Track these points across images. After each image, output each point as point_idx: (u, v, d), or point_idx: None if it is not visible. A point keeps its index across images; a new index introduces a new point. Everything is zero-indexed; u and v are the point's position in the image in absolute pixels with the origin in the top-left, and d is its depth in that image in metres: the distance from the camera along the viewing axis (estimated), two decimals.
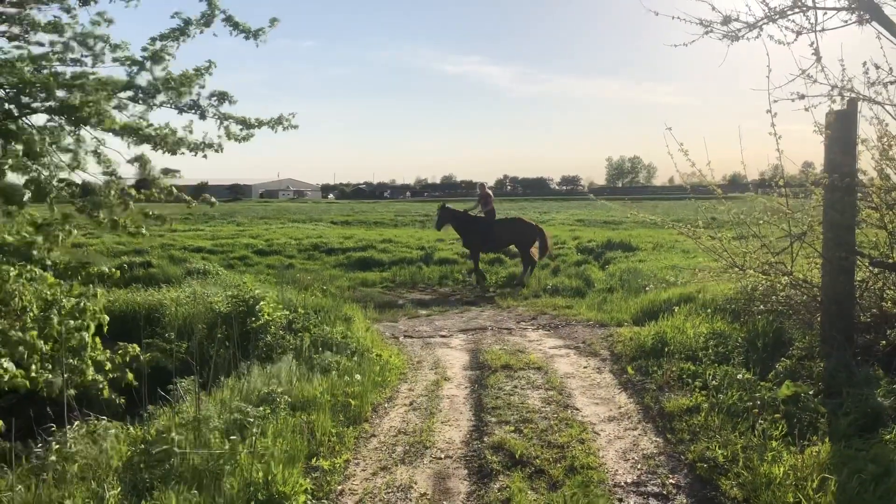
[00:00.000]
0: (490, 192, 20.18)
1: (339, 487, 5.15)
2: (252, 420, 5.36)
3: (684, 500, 4.86)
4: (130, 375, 6.63)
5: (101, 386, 6.41)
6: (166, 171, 6.37)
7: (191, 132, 6.25)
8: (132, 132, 6.01)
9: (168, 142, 6.12)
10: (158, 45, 5.97)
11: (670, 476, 5.25)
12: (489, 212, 19.14)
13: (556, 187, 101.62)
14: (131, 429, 5.51)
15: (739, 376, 6.90)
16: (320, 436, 5.87)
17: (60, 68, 5.95)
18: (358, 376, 7.30)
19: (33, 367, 5.77)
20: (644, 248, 23.52)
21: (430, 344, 10.37)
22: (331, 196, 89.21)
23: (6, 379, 5.45)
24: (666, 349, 8.42)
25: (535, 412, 6.76)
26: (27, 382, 5.59)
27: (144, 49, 5.92)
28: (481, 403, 7.12)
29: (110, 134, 5.98)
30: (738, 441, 5.49)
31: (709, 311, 10.34)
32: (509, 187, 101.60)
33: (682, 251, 22.85)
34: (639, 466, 5.46)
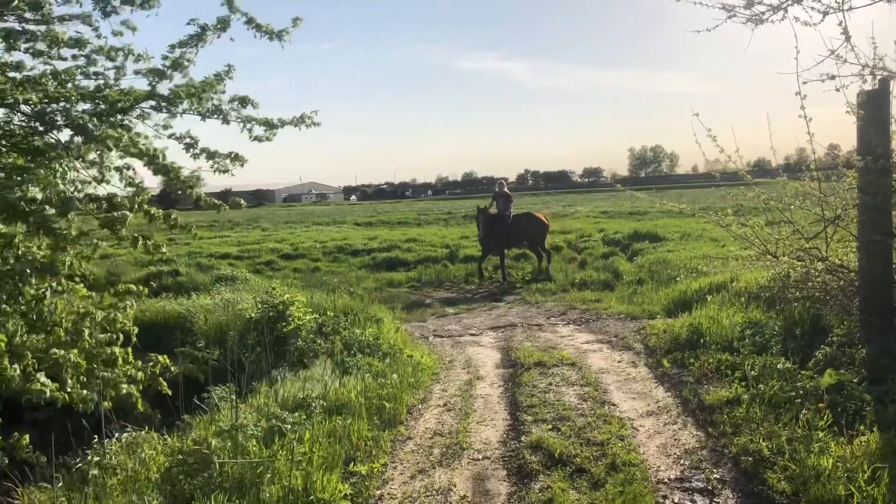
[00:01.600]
0: (508, 191, 19.92)
1: (378, 492, 5.11)
2: (289, 426, 5.33)
3: (730, 496, 4.75)
4: (164, 385, 6.64)
5: (134, 399, 6.42)
6: (191, 179, 6.33)
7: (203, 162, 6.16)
8: (149, 160, 5.98)
9: (181, 177, 6.06)
10: (178, 52, 5.95)
11: (714, 471, 5.14)
12: (502, 214, 18.79)
13: (578, 179, 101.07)
14: (168, 439, 5.50)
15: (780, 366, 6.76)
16: (356, 440, 5.84)
17: (84, 82, 5.96)
18: (395, 376, 7.25)
19: (69, 381, 5.78)
20: (671, 238, 23.27)
21: (460, 343, 10.32)
22: (353, 198, 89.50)
23: (45, 394, 5.46)
24: (701, 340, 8.28)
25: (572, 409, 6.67)
26: (65, 396, 5.60)
27: (165, 58, 5.91)
28: (516, 402, 7.04)
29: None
30: (782, 433, 5.37)
31: (742, 299, 10.19)
32: (531, 181, 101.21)
33: (710, 240, 22.61)
34: (681, 462, 5.36)
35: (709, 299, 10.78)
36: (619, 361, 8.56)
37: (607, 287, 16.04)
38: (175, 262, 19.78)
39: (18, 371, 5.52)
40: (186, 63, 5.95)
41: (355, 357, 8.00)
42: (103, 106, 5.75)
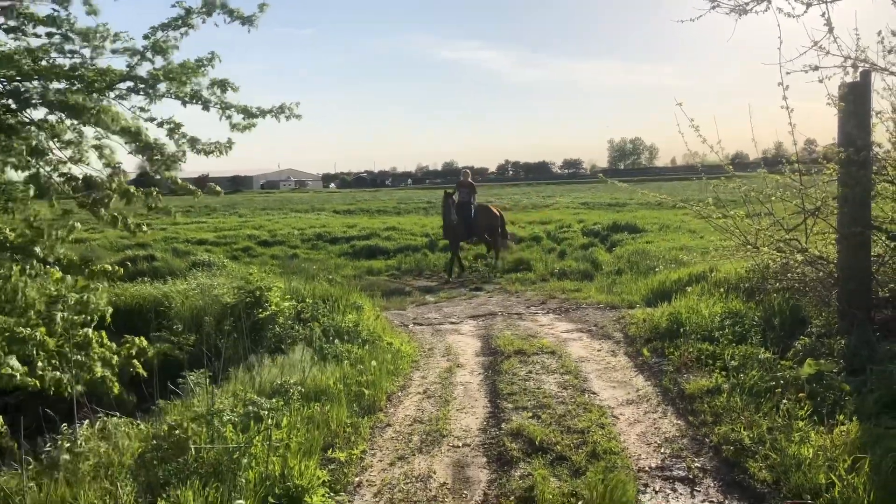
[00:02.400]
0: (472, 182, 19.05)
1: (357, 479, 5.04)
2: (266, 412, 5.23)
3: (711, 484, 4.74)
4: (139, 366, 6.51)
5: (110, 383, 6.28)
6: (175, 155, 6.19)
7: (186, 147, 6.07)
8: (132, 136, 5.86)
9: (164, 153, 5.94)
10: (160, 34, 5.81)
11: (695, 459, 5.13)
12: (464, 204, 17.97)
13: (559, 171, 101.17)
14: (142, 425, 5.39)
15: (760, 356, 6.77)
16: (335, 427, 5.76)
17: (60, 60, 5.81)
18: (374, 363, 7.18)
19: (39, 364, 5.65)
20: (650, 230, 23.35)
21: (440, 331, 10.26)
22: (332, 185, 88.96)
23: (16, 378, 5.34)
24: (681, 330, 8.28)
25: (552, 397, 6.64)
26: (36, 382, 5.48)
27: (146, 38, 5.76)
28: (496, 390, 7.00)
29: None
30: (763, 422, 5.37)
31: (721, 290, 10.20)
32: (511, 172, 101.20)
33: (688, 231, 22.76)
34: (662, 450, 5.34)
35: (689, 290, 10.81)
36: (598, 350, 8.55)
37: (587, 277, 16.05)
38: (151, 247, 19.55)
39: None
40: (168, 47, 5.81)
41: (334, 344, 7.91)
42: (79, 85, 5.63)
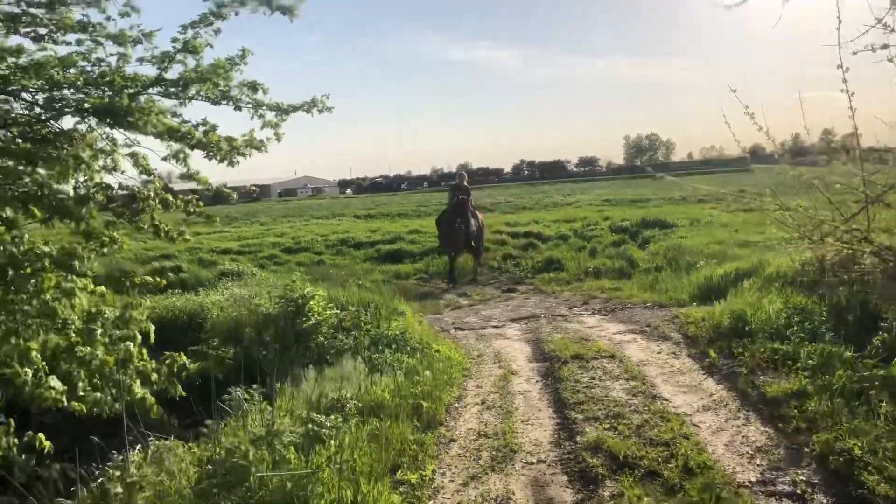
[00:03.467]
0: (468, 185, 17.76)
1: (431, 503, 4.65)
2: (327, 431, 4.86)
3: (824, 500, 4.31)
4: (178, 388, 6.17)
5: (149, 404, 5.93)
6: (233, 153, 5.84)
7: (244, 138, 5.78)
8: (180, 137, 5.55)
9: (222, 148, 5.65)
10: (190, 33, 5.47)
11: (798, 472, 4.69)
12: (456, 207, 16.39)
13: (574, 169, 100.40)
14: (196, 448, 5.03)
15: (843, 355, 6.32)
16: (399, 444, 5.37)
17: (88, 67, 5.51)
18: (428, 373, 6.79)
19: (80, 384, 5.33)
20: (681, 225, 22.82)
21: (484, 335, 9.86)
22: (348, 191, 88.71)
23: (63, 403, 5.01)
24: (746, 328, 7.83)
25: (623, 405, 6.21)
26: (82, 406, 5.17)
27: (175, 40, 5.43)
28: (560, 398, 6.59)
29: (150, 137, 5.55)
30: (869, 429, 4.92)
31: (777, 285, 9.73)
32: (527, 171, 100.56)
33: (720, 225, 22.25)
34: (757, 462, 4.91)
35: (745, 285, 10.35)
36: (658, 352, 8.12)
37: (623, 275, 15.62)
38: (176, 258, 19.31)
39: (30, 375, 5.08)
40: (200, 46, 5.48)
41: (383, 353, 7.53)
42: (109, 92, 5.33)
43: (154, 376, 5.97)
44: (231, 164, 5.75)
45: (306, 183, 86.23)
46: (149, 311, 6.75)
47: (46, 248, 5.41)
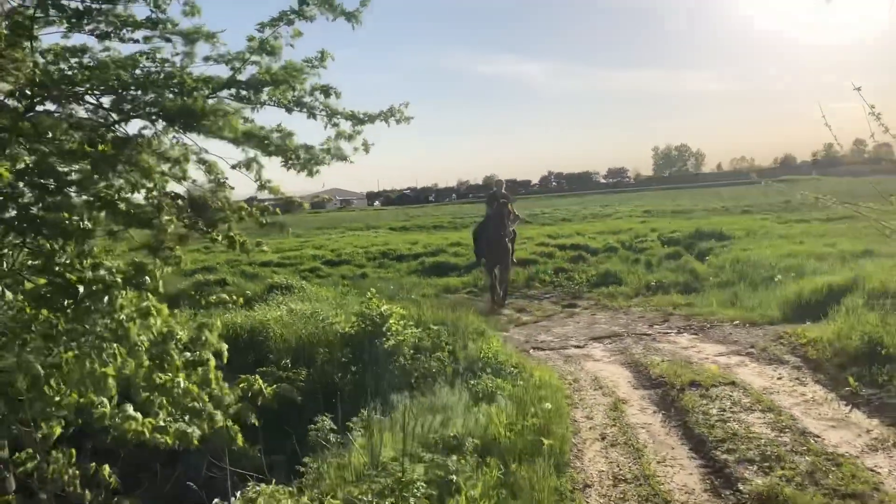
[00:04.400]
0: (508, 194, 15.43)
1: None
2: (456, 478, 4.10)
3: None
4: (253, 415, 5.47)
5: (234, 433, 5.22)
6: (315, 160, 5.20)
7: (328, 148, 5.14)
8: (258, 143, 4.89)
9: (300, 156, 4.98)
10: (268, 32, 4.81)
11: None
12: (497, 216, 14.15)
13: (603, 180, 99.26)
14: (305, 497, 4.29)
15: None
16: (531, 491, 4.59)
17: (153, 68, 4.88)
18: (548, 405, 6.00)
19: (161, 413, 4.66)
20: (737, 237, 21.87)
21: (570, 357, 9.05)
22: (377, 203, 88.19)
23: (144, 434, 4.35)
24: (882, 352, 6.97)
25: (774, 444, 5.38)
26: (167, 438, 4.49)
27: (251, 38, 4.79)
28: (694, 434, 5.78)
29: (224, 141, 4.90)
30: None
31: (887, 301, 8.84)
32: (554, 183, 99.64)
33: (778, 237, 21.25)
34: None
35: (848, 302, 9.48)
36: (778, 378, 7.27)
37: (689, 290, 14.76)
38: (217, 271, 18.73)
39: (108, 404, 4.42)
40: (278, 47, 4.83)
41: (479, 379, 6.76)
42: (180, 94, 4.68)
43: (228, 399, 5.26)
44: (310, 173, 5.10)
45: (335, 195, 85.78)
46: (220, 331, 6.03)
47: (113, 263, 4.79)
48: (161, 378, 4.69)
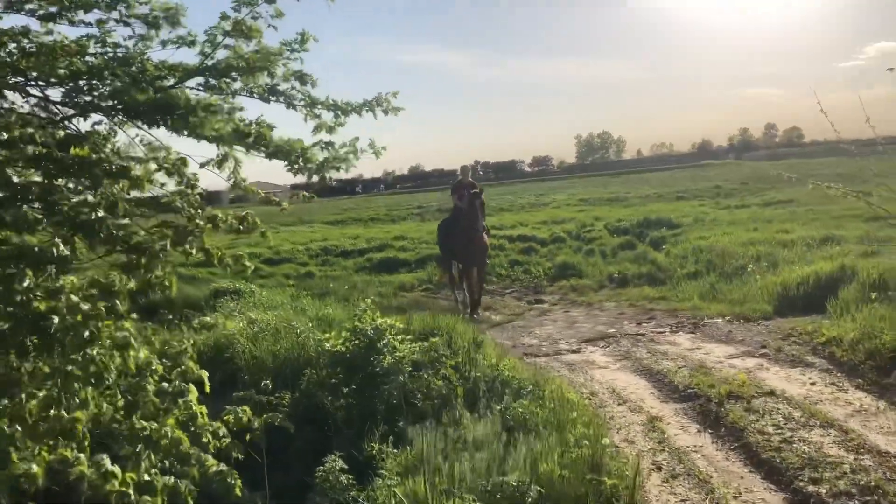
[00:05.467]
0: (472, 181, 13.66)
1: None
2: None
3: None
4: (237, 449, 4.56)
5: (232, 480, 4.29)
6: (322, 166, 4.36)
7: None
8: (253, 143, 4.09)
9: (310, 159, 4.21)
10: (245, 11, 4.01)
11: None
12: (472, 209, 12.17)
13: (528, 169, 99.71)
14: None
15: None
16: None
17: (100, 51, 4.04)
18: (583, 429, 5.21)
19: (143, 465, 3.75)
20: (685, 224, 21.69)
21: (572, 365, 8.32)
22: (302, 195, 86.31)
23: (130, 494, 3.46)
24: None
25: (862, 470, 4.76)
26: (157, 501, 3.60)
27: (224, 18, 3.95)
28: (761, 459, 5.12)
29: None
30: None
31: (890, 293, 8.47)
32: (481, 172, 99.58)
33: (728, 223, 21.15)
34: None
35: (846, 295, 9.09)
36: (812, 384, 6.72)
37: (655, 281, 14.38)
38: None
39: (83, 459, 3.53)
40: (255, 29, 4.03)
41: (503, 401, 5.95)
42: (141, 83, 3.84)
43: (209, 439, 4.31)
44: (324, 178, 4.31)
45: (258, 188, 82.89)
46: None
47: (77, 282, 3.85)
48: (145, 426, 3.79)
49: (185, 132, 3.89)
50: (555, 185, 62.59)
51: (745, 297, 10.99)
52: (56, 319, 3.22)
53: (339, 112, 4.30)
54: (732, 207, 27.51)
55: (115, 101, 3.78)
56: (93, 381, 3.52)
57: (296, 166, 4.15)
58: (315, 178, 4.21)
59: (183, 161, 3.96)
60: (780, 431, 5.52)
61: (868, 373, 6.70)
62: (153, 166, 3.88)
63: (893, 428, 5.52)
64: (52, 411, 3.43)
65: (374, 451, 5.60)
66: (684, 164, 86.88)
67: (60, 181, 3.63)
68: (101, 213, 3.47)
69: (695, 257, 15.43)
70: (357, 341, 6.71)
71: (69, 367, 3.37)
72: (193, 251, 4.01)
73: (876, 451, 5.07)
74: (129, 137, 4.05)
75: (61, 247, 3.20)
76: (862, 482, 4.56)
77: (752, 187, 38.16)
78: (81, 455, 3.34)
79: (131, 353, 3.79)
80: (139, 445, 3.68)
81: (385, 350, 6.70)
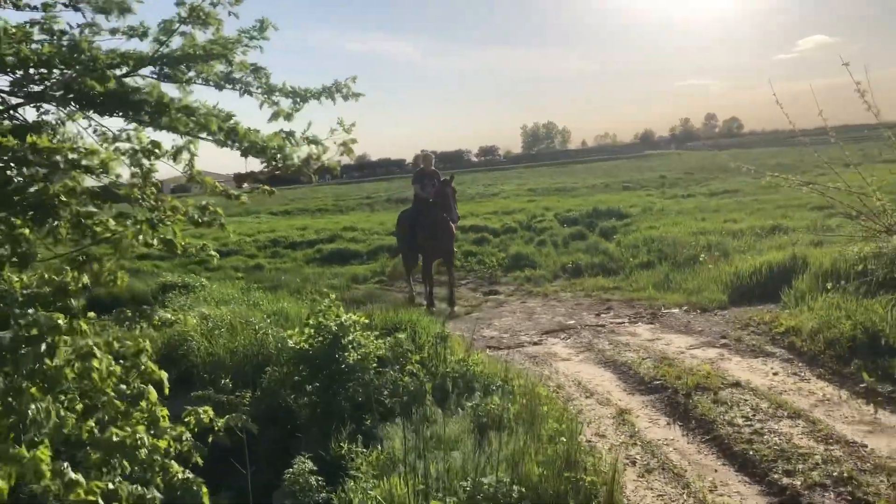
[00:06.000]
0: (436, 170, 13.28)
1: None
2: None
3: None
4: (198, 456, 4.38)
5: (196, 488, 4.10)
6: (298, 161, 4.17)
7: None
8: (227, 135, 3.92)
9: (288, 157, 4.04)
10: None
11: None
12: (442, 198, 11.86)
13: (475, 158, 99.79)
14: None
15: None
16: None
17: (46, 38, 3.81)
18: (555, 424, 5.14)
19: (112, 473, 3.59)
20: (633, 214, 21.93)
21: (534, 357, 8.28)
22: (245, 185, 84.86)
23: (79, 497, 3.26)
24: (882, 343, 6.63)
25: (833, 462, 4.79)
26: None
27: (180, 3, 3.75)
28: (733, 451, 5.13)
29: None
30: None
31: (838, 283, 8.63)
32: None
33: (676, 213, 21.45)
34: None
35: (800, 285, 9.26)
36: (775, 374, 6.80)
37: (608, 272, 14.49)
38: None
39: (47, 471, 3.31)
40: (212, 16, 3.84)
41: (473, 397, 5.84)
42: (91, 71, 3.63)
43: (167, 442, 4.11)
44: (310, 177, 4.14)
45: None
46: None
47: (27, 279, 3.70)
48: (120, 434, 3.62)
49: (154, 128, 3.69)
50: (503, 175, 62.79)
51: (700, 287, 11.12)
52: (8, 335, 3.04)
53: (298, 99, 4.12)
54: (679, 197, 27.99)
55: (67, 92, 3.56)
56: (50, 392, 3.33)
57: (273, 163, 3.97)
58: (266, 168, 4.03)
59: (157, 145, 3.74)
60: (749, 423, 5.55)
61: (828, 362, 6.81)
62: (119, 153, 3.67)
63: (857, 417, 5.60)
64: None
65: (342, 451, 5.45)
66: (628, 154, 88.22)
67: (12, 172, 3.40)
68: (64, 199, 3.28)
69: (646, 247, 15.58)
70: (321, 338, 6.53)
71: (24, 384, 3.17)
72: (155, 242, 3.82)
73: (844, 441, 5.13)
74: (81, 127, 3.86)
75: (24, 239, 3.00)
76: (835, 473, 4.60)
77: (696, 177, 38.98)
78: (45, 467, 3.15)
79: (95, 363, 3.58)
80: (115, 454, 3.51)
81: (350, 346, 6.54)
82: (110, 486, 3.43)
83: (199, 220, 3.94)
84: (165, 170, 3.99)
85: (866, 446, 5.04)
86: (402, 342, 7.05)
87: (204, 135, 3.76)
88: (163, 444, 3.80)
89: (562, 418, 5.59)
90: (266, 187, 4.32)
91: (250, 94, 4.05)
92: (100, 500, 3.27)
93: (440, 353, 6.91)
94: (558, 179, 44.65)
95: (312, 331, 6.59)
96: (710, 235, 15.40)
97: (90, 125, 3.81)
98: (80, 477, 3.21)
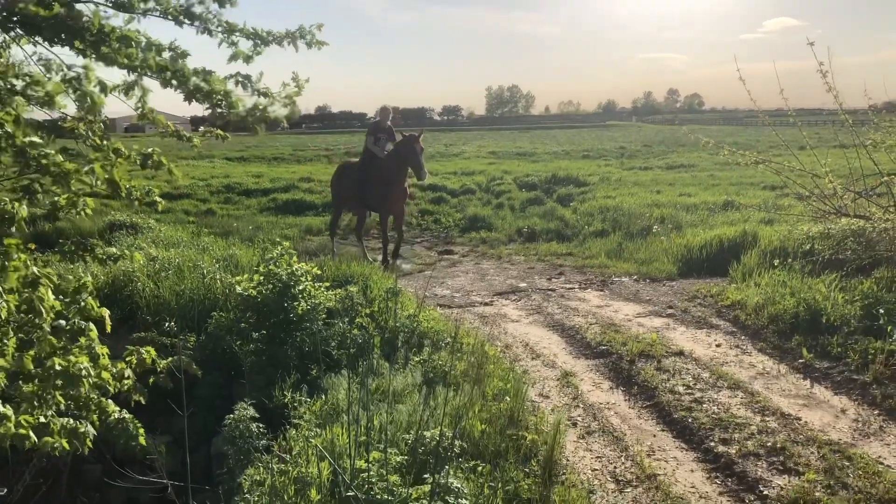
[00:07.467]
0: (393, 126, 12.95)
1: None
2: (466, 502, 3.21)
3: None
4: (141, 396, 4.34)
5: (133, 429, 4.06)
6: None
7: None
8: (173, 76, 3.79)
9: (234, 105, 3.91)
10: None
11: None
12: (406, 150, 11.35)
13: (437, 118, 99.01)
14: None
15: None
16: None
17: None
18: (500, 383, 5.17)
19: (47, 411, 3.54)
20: (592, 183, 22.01)
21: (484, 316, 8.30)
22: (201, 129, 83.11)
23: (32, 438, 3.25)
24: (823, 320, 6.79)
25: (768, 432, 4.92)
26: (62, 442, 3.42)
27: None
28: (673, 419, 5.22)
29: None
30: None
31: (785, 260, 8.81)
32: (391, 118, 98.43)
33: (633, 184, 21.60)
34: None
35: (748, 261, 9.41)
36: (717, 345, 6.93)
37: (562, 238, 14.58)
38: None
39: None
40: None
41: (421, 353, 5.84)
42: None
43: (108, 380, 4.03)
44: (256, 128, 4.05)
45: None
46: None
47: None
48: (64, 363, 3.55)
49: (94, 58, 3.52)
50: (464, 135, 62.50)
51: (651, 258, 11.27)
52: None
53: (259, 41, 3.97)
54: (637, 169, 28.16)
55: (10, 14, 3.38)
56: None
57: (218, 111, 3.83)
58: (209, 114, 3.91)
59: (102, 85, 3.59)
60: (689, 392, 5.66)
61: (770, 337, 6.96)
62: (63, 84, 3.50)
63: (793, 391, 5.75)
64: None
65: (285, 399, 5.42)
66: (589, 123, 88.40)
67: None
68: (8, 128, 3.14)
69: (602, 216, 15.68)
70: (270, 286, 6.44)
71: None
72: (98, 182, 3.69)
73: (780, 413, 5.26)
74: (26, 54, 3.68)
75: None
76: (769, 443, 4.72)
77: (654, 150, 39.31)
78: None
79: (41, 291, 3.48)
80: (54, 383, 3.44)
81: (300, 296, 6.46)
82: (41, 419, 3.36)
83: (143, 166, 3.82)
84: (120, 107, 3.84)
85: (800, 419, 5.18)
86: (353, 295, 7.00)
87: (148, 73, 3.62)
88: (107, 375, 3.74)
89: (508, 378, 5.64)
90: (219, 132, 4.17)
91: (210, 32, 3.89)
92: (31, 434, 3.21)
93: (391, 307, 6.86)
94: (520, 143, 44.61)
95: (262, 278, 6.49)
96: (664, 208, 15.53)
97: (36, 52, 3.64)
98: (8, 410, 3.13)
